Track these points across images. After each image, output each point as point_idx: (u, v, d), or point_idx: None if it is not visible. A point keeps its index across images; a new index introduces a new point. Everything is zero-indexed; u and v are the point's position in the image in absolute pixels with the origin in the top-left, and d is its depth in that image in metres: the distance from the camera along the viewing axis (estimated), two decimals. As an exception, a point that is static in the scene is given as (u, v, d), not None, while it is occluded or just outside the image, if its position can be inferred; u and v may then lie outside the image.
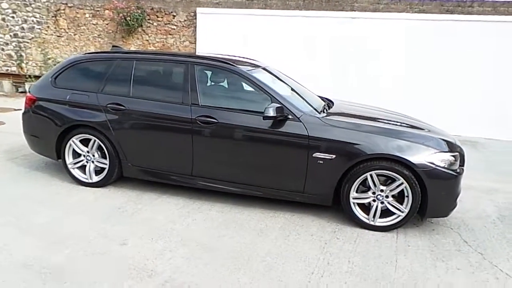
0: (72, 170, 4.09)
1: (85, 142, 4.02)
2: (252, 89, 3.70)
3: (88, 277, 2.55)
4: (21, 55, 11.00)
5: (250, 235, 3.24)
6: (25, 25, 10.78)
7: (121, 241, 3.03)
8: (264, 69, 4.19)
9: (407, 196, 3.30)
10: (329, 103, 4.27)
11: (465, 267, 2.91)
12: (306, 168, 3.42)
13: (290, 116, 3.44)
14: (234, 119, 3.56)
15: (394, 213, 3.37)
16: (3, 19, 10.84)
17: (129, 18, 9.35)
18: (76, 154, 4.08)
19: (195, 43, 9.41)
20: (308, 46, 8.62)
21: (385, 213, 3.40)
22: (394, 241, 3.27)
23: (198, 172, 3.74)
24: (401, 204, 3.33)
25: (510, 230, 3.56)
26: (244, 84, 3.79)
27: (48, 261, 2.70)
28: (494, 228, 3.60)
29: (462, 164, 3.46)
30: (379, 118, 3.84)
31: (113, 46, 4.70)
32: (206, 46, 9.27)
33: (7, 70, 11.08)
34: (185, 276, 2.62)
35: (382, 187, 3.34)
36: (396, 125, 3.68)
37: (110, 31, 10.07)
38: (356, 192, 3.40)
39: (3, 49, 11.03)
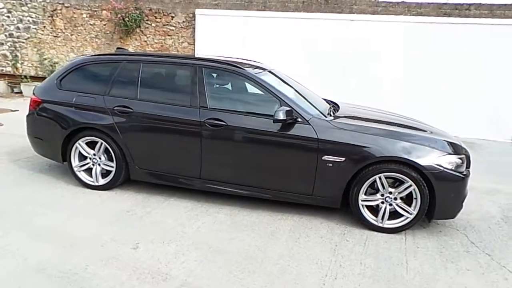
0: (78, 173, 4.06)
1: (91, 144, 4.00)
2: (260, 92, 3.72)
3: (104, 282, 2.54)
4: (16, 55, 10.88)
5: (261, 238, 3.25)
6: (20, 25, 10.67)
7: (133, 245, 3.02)
8: (270, 72, 4.20)
9: (415, 198, 3.34)
10: (334, 105, 4.30)
11: (474, 268, 2.96)
12: (315, 171, 3.45)
13: (299, 119, 3.46)
14: (243, 122, 3.57)
15: (402, 215, 3.41)
16: (-2, 19, 10.73)
17: (127, 19, 9.31)
18: (82, 157, 4.05)
19: (194, 44, 9.40)
20: (307, 48, 8.66)
21: (394, 215, 3.44)
22: (403, 242, 3.31)
23: (207, 175, 3.74)
24: (409, 206, 3.37)
25: (515, 231, 3.63)
26: (252, 87, 3.80)
27: (63, 265, 2.68)
28: (499, 229, 3.66)
29: (468, 166, 3.52)
30: (385, 121, 3.88)
31: (118, 48, 4.68)
32: (204, 48, 9.27)
33: (2, 70, 10.95)
34: (200, 280, 2.62)
35: (390, 189, 3.38)
36: (402, 127, 3.72)
37: (108, 32, 10.01)
38: (365, 194, 3.43)
39: (-2, 49, 10.92)
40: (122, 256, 2.86)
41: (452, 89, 8.01)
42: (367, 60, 8.30)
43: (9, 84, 10.63)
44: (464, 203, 3.44)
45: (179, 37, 9.52)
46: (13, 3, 10.57)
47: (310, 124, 3.45)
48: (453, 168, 3.30)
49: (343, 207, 3.58)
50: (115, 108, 3.82)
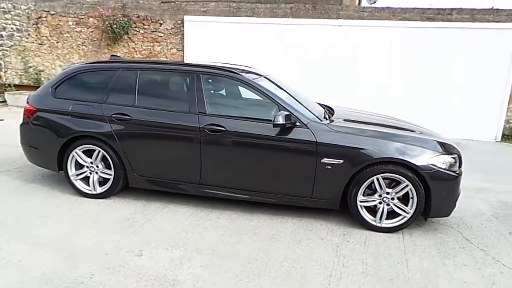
0: (74, 182, 4.02)
1: (88, 153, 3.97)
2: (258, 97, 3.78)
3: (112, 289, 2.54)
4: None
5: (264, 241, 3.29)
6: (3, 33, 10.48)
7: (137, 252, 3.02)
8: (265, 77, 4.26)
9: (412, 198, 3.44)
10: (329, 109, 4.39)
11: (471, 263, 3.07)
12: (314, 174, 3.51)
13: (297, 123, 3.53)
14: (242, 127, 3.61)
15: (399, 215, 3.50)
16: (-19, 27, 10.52)
17: (115, 26, 9.25)
18: (78, 166, 4.02)
19: (183, 51, 9.42)
20: (295, 53, 8.78)
21: (391, 214, 3.53)
22: (401, 241, 3.40)
23: (207, 180, 3.76)
24: (406, 205, 3.47)
25: (506, 227, 3.77)
26: (250, 93, 3.86)
27: (68, 275, 2.66)
28: (491, 225, 3.80)
29: (460, 165, 3.64)
30: (379, 123, 3.98)
31: (112, 55, 4.67)
32: (194, 54, 9.30)
33: (-15, 79, 10.72)
34: (208, 285, 2.64)
35: (388, 190, 3.47)
36: (396, 129, 3.83)
37: (95, 39, 9.93)
38: (363, 195, 3.52)
39: (-20, 58, 10.69)
40: (127, 264, 2.86)
41: (437, 92, 8.25)
42: (355, 64, 8.47)
43: (-7, 93, 10.41)
44: (457, 201, 3.56)
45: (167, 44, 9.52)
46: (-4, 11, 10.38)
47: (308, 128, 3.53)
48: (446, 168, 3.42)
49: (341, 209, 3.66)
50: (113, 115, 3.82)
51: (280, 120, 3.40)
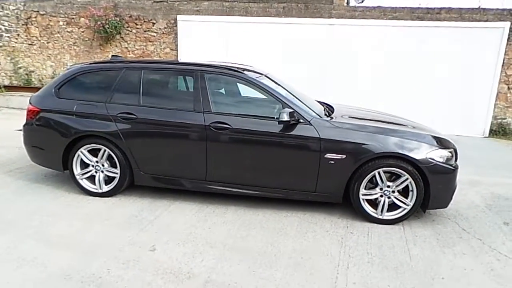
0: (80, 181, 4.06)
1: (93, 152, 4.01)
2: (261, 95, 3.87)
3: (131, 283, 2.61)
4: (-12, 65, 10.53)
5: (271, 234, 3.40)
6: (-8, 33, 10.34)
7: (150, 247, 3.10)
8: (265, 76, 4.37)
9: (412, 191, 3.59)
10: (328, 106, 4.51)
11: (469, 252, 3.23)
12: (318, 169, 3.63)
13: (301, 120, 3.65)
14: (246, 124, 3.71)
15: (400, 207, 3.65)
16: (-31, 27, 10.35)
17: (107, 26, 9.22)
18: (84, 165, 4.05)
19: (176, 50, 9.46)
20: (288, 51, 8.91)
21: (392, 207, 3.68)
22: (402, 232, 3.55)
23: (212, 177, 3.85)
24: (406, 198, 3.62)
25: (499, 218, 3.96)
26: (250, 91, 3.95)
27: (86, 271, 2.72)
28: (485, 216, 3.99)
29: (456, 159, 3.81)
30: (378, 119, 4.13)
31: (113, 55, 4.71)
32: (187, 53, 9.35)
33: (-26, 80, 10.57)
34: (223, 276, 2.74)
35: (388, 183, 3.62)
36: (395, 124, 3.98)
37: (87, 39, 9.88)
38: (365, 189, 3.65)
39: (-31, 59, 10.53)
40: (141, 258, 2.93)
41: (426, 88, 8.49)
42: (346, 62, 8.65)
43: (-18, 95, 10.25)
44: (454, 193, 3.73)
45: (160, 43, 9.54)
46: (-15, 10, 10.23)
47: (311, 124, 3.64)
48: (444, 161, 3.58)
49: (343, 202, 3.79)
50: (118, 115, 3.87)
51: (285, 117, 3.50)
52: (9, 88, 10.22)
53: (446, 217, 3.91)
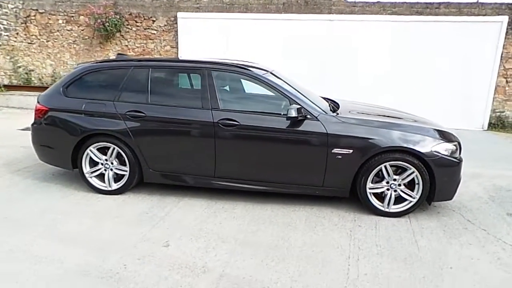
0: (89, 179, 4.10)
1: (102, 150, 4.05)
2: (267, 92, 3.92)
3: (149, 278, 2.66)
4: (-13, 64, 10.49)
5: (281, 229, 3.46)
6: (-9, 33, 10.29)
7: (163, 243, 3.15)
8: (271, 73, 4.41)
9: (418, 184, 3.66)
10: (333, 102, 4.57)
11: (475, 242, 3.31)
12: (325, 163, 3.69)
13: (308, 116, 3.70)
14: (254, 121, 3.76)
15: (406, 200, 3.72)
16: (-33, 27, 10.30)
17: (107, 24, 9.21)
18: (93, 163, 4.09)
19: (177, 48, 9.47)
20: (288, 47, 8.95)
21: (398, 200, 3.75)
22: (408, 224, 3.62)
23: (221, 173, 3.90)
24: (412, 191, 3.69)
25: (502, 209, 4.04)
26: (257, 87, 4.00)
27: (103, 267, 2.77)
28: (489, 208, 4.07)
29: (460, 152, 3.88)
30: (382, 114, 4.19)
31: (118, 54, 4.73)
32: (187, 50, 9.36)
33: (-27, 80, 10.53)
34: (237, 270, 2.80)
35: (395, 177, 3.69)
36: (400, 119, 4.04)
37: (86, 37, 9.86)
38: (371, 182, 3.72)
39: (-32, 58, 10.48)
40: (156, 254, 2.98)
41: (425, 82, 8.56)
42: (346, 58, 8.70)
43: (-18, 95, 10.22)
44: (459, 186, 3.80)
45: (161, 41, 9.54)
46: (-17, 10, 10.18)
47: (318, 120, 3.70)
48: (449, 154, 3.65)
49: (349, 196, 3.85)
50: (127, 113, 3.90)
51: (293, 113, 3.56)
52: (9, 87, 10.19)
53: (451, 209, 3.99)
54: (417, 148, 3.57)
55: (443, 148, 3.65)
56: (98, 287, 2.56)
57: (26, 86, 10.19)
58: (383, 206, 3.75)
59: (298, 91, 4.23)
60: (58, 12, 9.84)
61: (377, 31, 8.56)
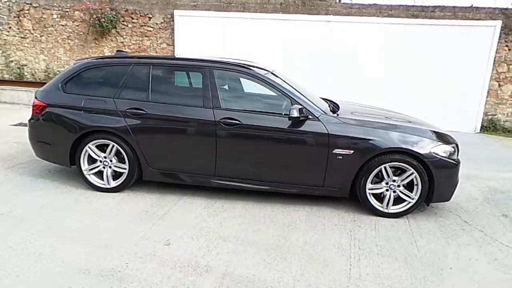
0: (88, 176, 4.06)
1: (100, 147, 4.01)
2: (267, 91, 3.93)
3: (151, 276, 2.65)
4: (-21, 58, 10.30)
5: (282, 228, 3.48)
6: (-18, 26, 10.10)
7: (164, 241, 3.14)
8: (271, 73, 4.42)
9: (417, 185, 3.70)
10: (333, 103, 4.59)
11: (472, 243, 3.36)
12: (326, 164, 3.71)
13: (310, 116, 3.72)
14: (256, 120, 3.76)
15: (405, 200, 3.76)
16: (-42, 20, 10.10)
17: (103, 20, 9.12)
18: (91, 160, 4.05)
19: (173, 45, 9.41)
20: (285, 48, 8.96)
21: (397, 201, 3.79)
22: (407, 225, 3.67)
23: (222, 172, 3.89)
24: (411, 192, 3.73)
25: (498, 210, 4.11)
26: (258, 87, 4.00)
27: (104, 265, 2.75)
28: (484, 208, 4.14)
29: (457, 154, 3.94)
30: (382, 115, 4.23)
31: (117, 50, 4.69)
32: (184, 48, 9.31)
33: (-36, 74, 10.33)
34: (240, 269, 2.80)
35: (394, 178, 3.72)
36: (399, 120, 4.08)
37: (81, 33, 9.75)
38: (371, 183, 3.75)
39: (-42, 52, 10.28)
40: (157, 252, 2.97)
41: (419, 85, 8.64)
42: (344, 60, 8.75)
43: (-28, 89, 10.03)
44: (457, 187, 3.86)
45: (157, 38, 9.48)
46: (-25, 3, 9.99)
47: (320, 120, 3.72)
48: (447, 156, 3.70)
49: (347, 197, 3.88)
50: (127, 110, 3.87)
51: (295, 114, 3.57)
52: (0, 82, 10.03)
53: (448, 210, 4.04)
54: (416, 149, 3.61)
55: (442, 150, 3.70)
56: (100, 286, 2.54)
57: (18, 81, 10.03)
58: (382, 207, 3.79)
59: (299, 92, 4.26)
60: (53, 7, 9.71)
61: (373, 33, 8.62)
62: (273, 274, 2.76)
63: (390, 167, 3.69)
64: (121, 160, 4.02)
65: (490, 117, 8.78)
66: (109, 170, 4.04)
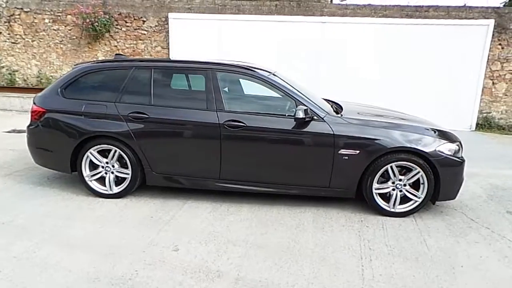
0: (89, 183, 3.98)
1: (102, 153, 3.94)
2: (272, 93, 3.90)
3: (162, 284, 2.59)
4: (-31, 64, 10.11)
5: (290, 230, 3.44)
6: (-28, 32, 9.92)
7: (173, 247, 3.08)
8: (273, 74, 4.39)
9: (423, 183, 3.70)
10: (336, 104, 4.57)
11: (481, 240, 3.37)
12: (332, 164, 3.69)
13: (315, 117, 3.69)
14: (260, 122, 3.72)
15: (411, 199, 3.76)
16: None
17: (96, 24, 9.01)
18: (93, 166, 3.98)
19: (168, 48, 9.35)
20: (280, 49, 8.96)
21: (403, 200, 3.78)
22: (415, 224, 3.66)
23: (227, 175, 3.85)
24: (417, 190, 3.73)
25: (502, 207, 4.13)
26: (258, 88, 3.97)
27: (113, 273, 2.69)
28: (489, 206, 4.15)
29: (461, 152, 3.95)
30: (385, 115, 4.22)
31: (116, 54, 4.62)
32: (179, 51, 9.25)
33: (-46, 81, 10.12)
34: (252, 273, 2.76)
35: (400, 177, 3.72)
36: (403, 120, 4.08)
37: (74, 37, 9.63)
38: (377, 183, 3.74)
39: None
40: (167, 259, 2.91)
41: (415, 83, 8.71)
42: (339, 60, 8.77)
43: (-37, 96, 9.83)
44: (462, 185, 3.86)
45: (151, 41, 9.40)
46: (-36, 8, 9.81)
47: (325, 121, 3.70)
48: (452, 154, 3.71)
49: (356, 197, 3.87)
50: (130, 114, 3.81)
51: (301, 115, 3.55)
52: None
53: (453, 208, 4.05)
54: (422, 148, 3.61)
55: (447, 148, 3.70)
56: (111, 294, 2.48)
57: (10, 87, 9.86)
58: (389, 206, 3.78)
59: (302, 93, 4.23)
60: (44, 11, 9.58)
61: (368, 33, 8.66)
62: (287, 277, 2.72)
63: (396, 166, 3.69)
64: (123, 165, 3.95)
65: (485, 115, 8.88)
66: (112, 176, 3.97)
